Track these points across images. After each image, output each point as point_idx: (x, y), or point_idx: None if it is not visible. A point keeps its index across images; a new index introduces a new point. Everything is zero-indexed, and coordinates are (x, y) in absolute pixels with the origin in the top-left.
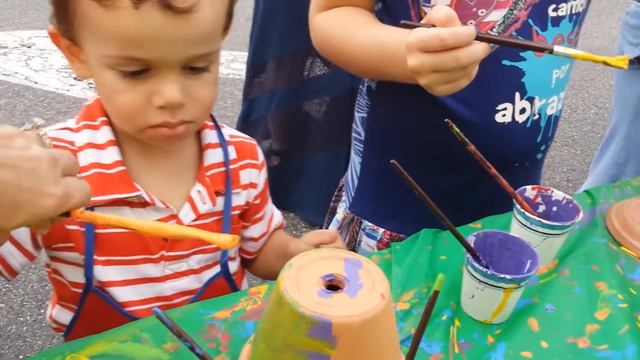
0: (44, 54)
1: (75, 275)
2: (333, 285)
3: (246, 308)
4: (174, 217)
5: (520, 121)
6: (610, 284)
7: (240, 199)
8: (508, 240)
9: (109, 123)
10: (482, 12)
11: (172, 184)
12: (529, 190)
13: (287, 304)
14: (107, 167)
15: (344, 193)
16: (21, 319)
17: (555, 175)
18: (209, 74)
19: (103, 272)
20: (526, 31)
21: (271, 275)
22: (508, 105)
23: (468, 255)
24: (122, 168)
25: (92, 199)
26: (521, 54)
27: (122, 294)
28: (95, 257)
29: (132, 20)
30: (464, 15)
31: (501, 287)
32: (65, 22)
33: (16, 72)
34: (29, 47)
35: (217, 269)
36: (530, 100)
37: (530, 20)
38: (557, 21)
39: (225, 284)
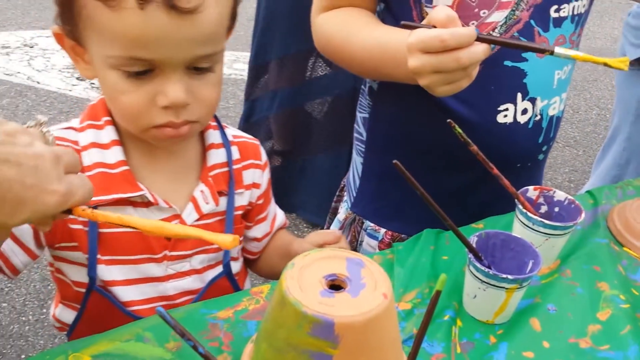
0: (46, 54)
1: (79, 274)
2: (335, 285)
3: (248, 307)
4: (177, 217)
5: (521, 122)
6: (612, 284)
7: (243, 199)
8: (510, 241)
9: (113, 123)
10: (484, 13)
11: (176, 184)
12: (531, 191)
13: (289, 303)
14: (110, 166)
15: (345, 193)
16: (23, 318)
17: (557, 175)
18: (213, 74)
19: (106, 272)
20: (528, 32)
21: (274, 275)
22: (510, 105)
23: (470, 255)
24: (125, 168)
25: (96, 198)
26: (523, 54)
27: (125, 294)
28: (98, 256)
29: (138, 20)
30: (466, 15)
31: (503, 288)
32: (70, 23)
33: (18, 72)
34: (32, 47)
35: (219, 269)
36: (532, 101)
37: (532, 21)
38: (559, 22)
39: (227, 284)
